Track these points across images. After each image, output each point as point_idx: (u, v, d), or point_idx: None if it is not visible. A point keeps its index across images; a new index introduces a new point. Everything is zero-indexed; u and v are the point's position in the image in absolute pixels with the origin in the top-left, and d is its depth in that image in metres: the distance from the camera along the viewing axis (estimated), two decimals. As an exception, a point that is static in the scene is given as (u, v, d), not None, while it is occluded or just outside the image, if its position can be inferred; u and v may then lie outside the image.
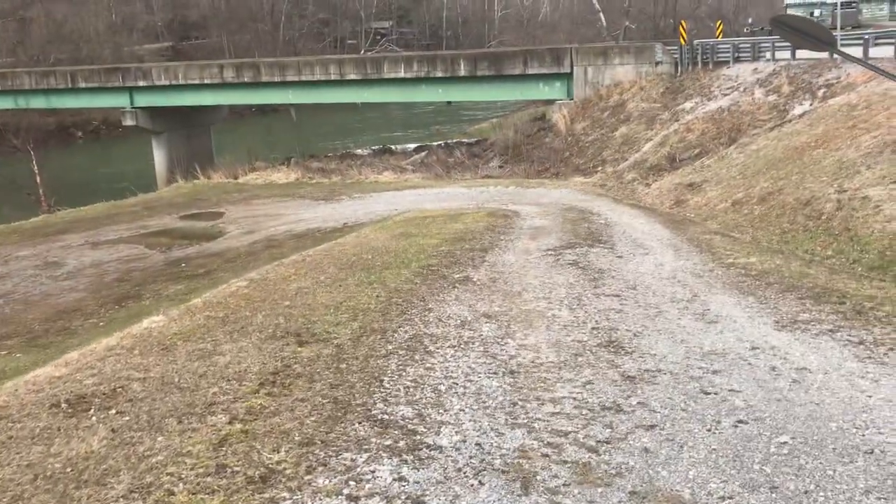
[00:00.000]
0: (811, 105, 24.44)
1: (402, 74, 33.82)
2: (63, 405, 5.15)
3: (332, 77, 34.78)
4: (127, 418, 4.88)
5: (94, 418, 4.90)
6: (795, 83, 26.34)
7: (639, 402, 4.99)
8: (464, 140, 39.06)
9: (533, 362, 5.79)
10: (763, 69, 28.43)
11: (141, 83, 37.09)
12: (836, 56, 27.15)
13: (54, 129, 59.21)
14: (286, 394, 5.18)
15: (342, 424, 4.69)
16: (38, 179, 33.20)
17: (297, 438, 4.49)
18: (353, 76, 34.49)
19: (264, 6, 72.19)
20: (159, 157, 38.79)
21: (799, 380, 5.34)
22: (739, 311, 7.03)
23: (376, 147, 40.77)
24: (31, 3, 61.94)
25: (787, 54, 28.52)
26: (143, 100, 37.80)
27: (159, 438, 4.54)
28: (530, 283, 8.66)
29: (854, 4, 55.57)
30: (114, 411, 5.00)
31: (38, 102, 40.97)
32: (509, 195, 22.69)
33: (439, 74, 33.41)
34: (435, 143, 39.28)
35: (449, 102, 38.23)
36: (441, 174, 31.32)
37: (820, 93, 24.95)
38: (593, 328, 6.69)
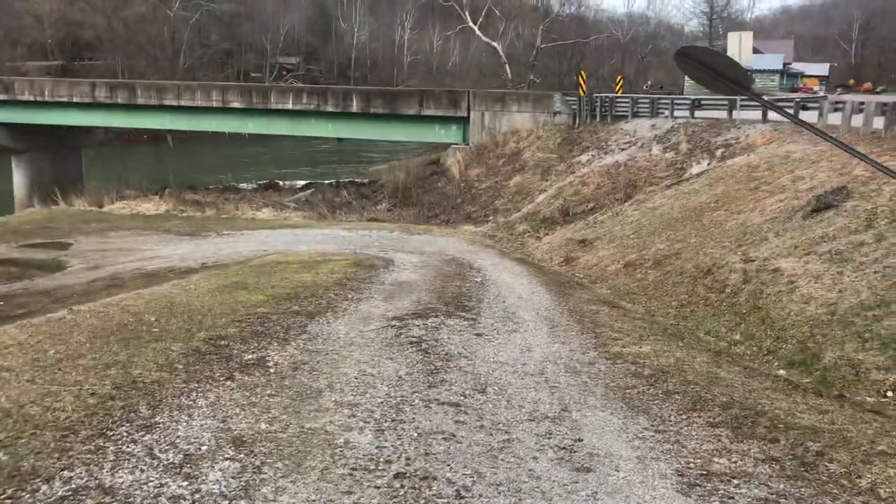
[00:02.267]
0: (709, 164, 22.96)
1: (289, 106, 31.06)
2: None
3: (215, 104, 31.71)
4: None
5: None
6: (694, 141, 24.93)
7: None
8: (356, 180, 36.43)
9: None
10: (661, 126, 27.03)
11: (1, 97, 33.03)
12: (735, 116, 26.18)
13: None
14: None
15: None
16: None
17: None
18: (236, 104, 31.52)
19: (165, 31, 68.27)
20: (19, 179, 34.61)
21: None
22: (625, 445, 4.54)
23: (262, 182, 37.66)
24: None
25: (685, 112, 27.27)
26: (3, 115, 33.69)
27: None
28: (344, 376, 6.00)
29: (749, 73, 56.19)
30: None
31: None
32: (391, 241, 20.24)
33: (330, 109, 30.81)
34: (326, 182, 36.52)
35: (339, 140, 35.63)
36: (325, 214, 28.55)
37: (718, 152, 23.54)
38: (397, 475, 4.05)
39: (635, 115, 28.32)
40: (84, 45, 67.06)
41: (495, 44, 66.05)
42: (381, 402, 5.30)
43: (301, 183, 37.12)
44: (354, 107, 30.45)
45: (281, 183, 37.18)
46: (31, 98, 32.75)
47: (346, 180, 35.84)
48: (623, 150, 26.32)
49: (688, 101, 27.73)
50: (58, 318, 7.99)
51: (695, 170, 22.79)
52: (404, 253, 17.70)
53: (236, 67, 73.08)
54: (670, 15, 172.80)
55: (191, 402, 5.06)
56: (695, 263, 12.52)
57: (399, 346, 7.07)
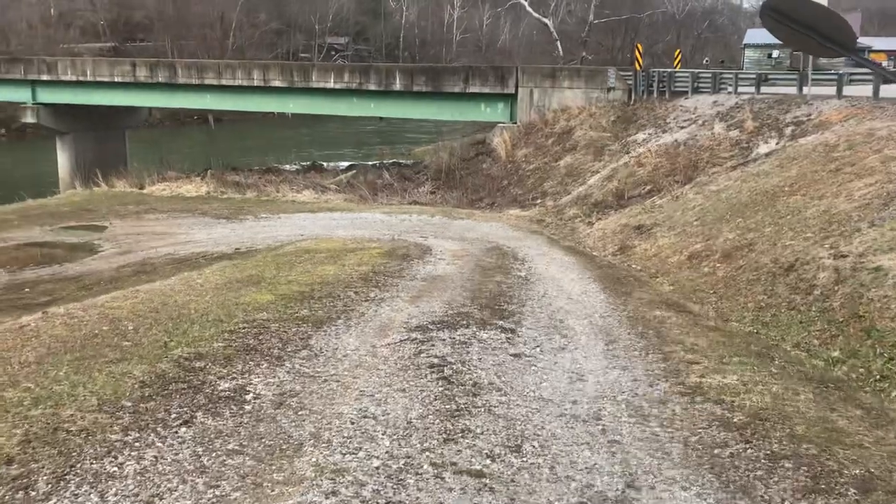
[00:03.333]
0: (778, 143, 20.89)
1: (331, 84, 29.68)
2: None
3: (256, 82, 30.50)
4: None
5: None
6: (760, 119, 22.82)
7: None
8: (401, 161, 34.98)
9: None
10: (724, 102, 24.92)
11: (45, 77, 32.35)
12: (805, 91, 23.94)
13: (-31, 124, 53.79)
14: None
15: None
16: None
17: None
18: (277, 83, 30.26)
19: (214, 12, 67.48)
20: (63, 160, 34.01)
21: None
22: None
23: (305, 163, 36.50)
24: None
25: (750, 88, 25.13)
26: (47, 96, 33.04)
27: None
28: (337, 418, 4.57)
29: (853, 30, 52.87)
30: None
31: (-73, 91, 35.81)
32: (432, 226, 18.82)
33: (372, 87, 29.34)
34: (369, 164, 35.18)
35: (381, 119, 34.16)
36: (366, 196, 27.22)
37: (788, 130, 21.44)
38: None
39: (696, 90, 26.25)
40: (135, 26, 66.76)
41: (546, 20, 63.78)
42: (378, 469, 3.84)
43: (344, 164, 35.88)
44: (397, 85, 28.94)
45: (324, 164, 35.98)
46: (74, 78, 31.99)
47: (390, 162, 34.42)
48: (682, 128, 24.33)
49: (752, 76, 25.54)
50: (19, 327, 6.71)
51: (762, 149, 20.75)
52: (444, 239, 16.32)
53: (285, 47, 72.06)
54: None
55: (114, 470, 3.66)
56: (772, 257, 10.76)
57: (416, 369, 5.60)
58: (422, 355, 5.97)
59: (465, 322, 7.24)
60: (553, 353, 6.22)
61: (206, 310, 7.45)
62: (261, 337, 6.38)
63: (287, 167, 35.53)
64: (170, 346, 6.00)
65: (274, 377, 5.36)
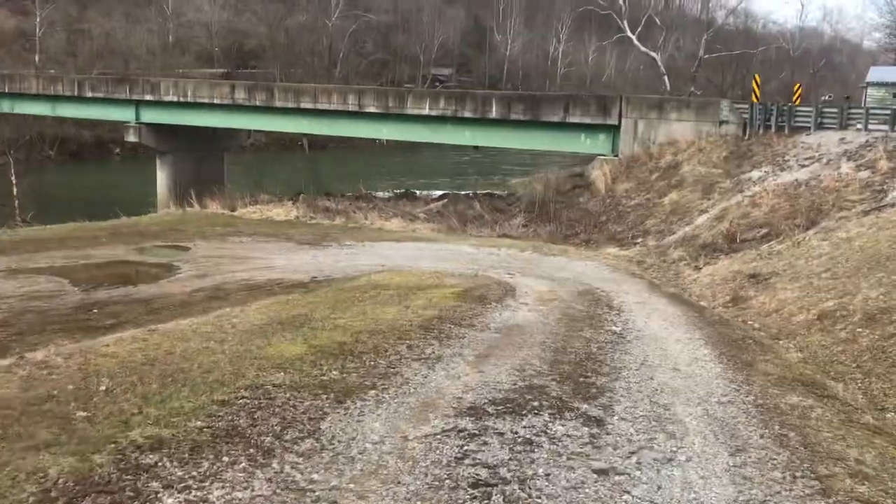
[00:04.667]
0: (919, 187, 18.10)
1: (426, 111, 28.40)
2: None
3: (351, 107, 29.57)
4: None
5: None
6: (896, 159, 20.01)
7: None
8: (494, 192, 33.29)
9: None
10: (853, 139, 22.16)
11: (148, 97, 32.45)
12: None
13: (91, 142, 55.49)
14: None
15: None
16: (14, 191, 29.05)
17: None
18: (372, 108, 29.21)
19: (323, 42, 68.13)
20: (162, 180, 34.03)
21: None
22: None
23: (398, 191, 35.33)
24: (87, 16, 58.88)
25: (883, 126, 22.27)
26: (150, 115, 33.14)
27: None
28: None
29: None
30: None
31: (43, 109, 36.66)
32: (520, 262, 17.02)
33: (468, 115, 27.88)
34: (462, 193, 33.65)
35: (476, 147, 32.60)
36: (455, 227, 25.62)
37: (931, 173, 18.60)
38: None
39: (819, 126, 23.54)
40: (247, 53, 68.12)
41: (654, 54, 61.19)
42: None
43: (437, 193, 34.49)
44: (494, 112, 27.37)
45: (417, 193, 34.70)
46: (176, 99, 31.95)
47: (483, 193, 32.77)
48: (804, 166, 21.69)
49: (887, 112, 22.65)
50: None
51: (900, 193, 18.01)
52: (532, 278, 14.51)
53: (390, 77, 72.05)
54: (848, 27, 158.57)
55: None
56: (937, 326, 8.43)
57: (452, 489, 3.78)
58: (466, 462, 4.15)
59: (536, 403, 5.38)
60: (656, 469, 4.28)
61: (212, 365, 5.87)
62: (258, 413, 4.72)
63: (379, 194, 34.48)
64: (132, 422, 4.41)
65: (246, 489, 3.66)
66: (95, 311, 12.44)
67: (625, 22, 63.27)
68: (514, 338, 8.30)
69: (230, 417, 4.60)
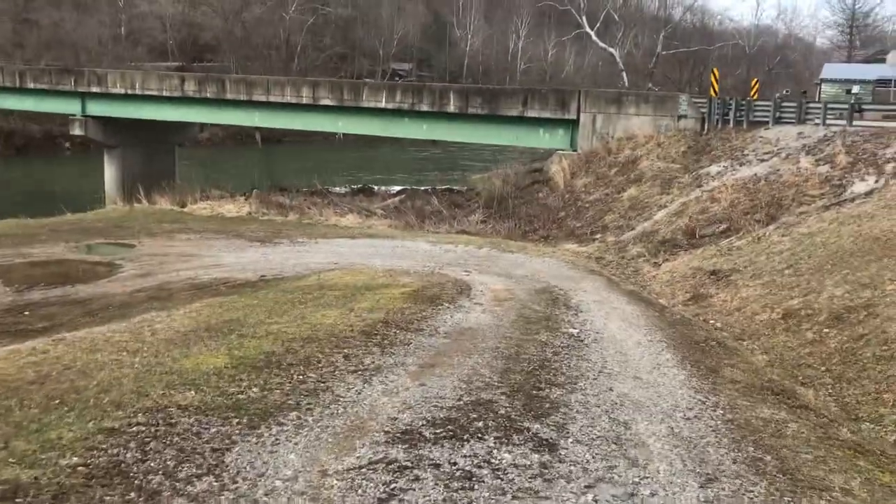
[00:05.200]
0: (878, 181, 17.85)
1: (382, 104, 27.60)
2: None
3: (305, 100, 28.63)
4: None
5: None
6: (854, 153, 19.77)
7: None
8: (453, 188, 32.61)
9: None
10: (811, 134, 21.92)
11: (94, 89, 31.09)
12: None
13: (40, 137, 53.47)
14: None
15: None
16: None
17: None
18: (327, 101, 28.32)
19: (280, 35, 66.69)
20: (110, 175, 32.68)
21: None
22: None
23: (355, 186, 34.48)
24: (34, 6, 56.74)
25: (841, 121, 22.06)
26: (97, 108, 31.77)
27: None
28: None
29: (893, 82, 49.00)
30: None
31: (-16, 101, 35.03)
32: (477, 260, 16.39)
33: (425, 108, 27.15)
34: (421, 189, 32.93)
35: (434, 142, 31.91)
36: (412, 223, 24.89)
37: (889, 167, 18.36)
38: None
39: (777, 121, 23.28)
40: (202, 46, 66.44)
41: (612, 50, 61.06)
42: None
43: (396, 189, 33.73)
44: (451, 106, 26.67)
45: (375, 188, 33.89)
46: (123, 91, 30.63)
47: (442, 188, 32.07)
48: (763, 160, 21.39)
49: (845, 106, 22.46)
50: None
51: (860, 187, 17.74)
52: (489, 275, 13.91)
53: (349, 71, 70.87)
54: (801, 25, 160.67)
55: None
56: (909, 327, 7.95)
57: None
58: None
59: (481, 423, 4.71)
60: (616, 506, 3.62)
61: (113, 383, 5.09)
62: (152, 444, 3.96)
63: (336, 189, 33.58)
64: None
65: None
66: (27, 313, 11.60)
67: (583, 17, 63.03)
68: (465, 343, 7.64)
69: (116, 451, 3.85)
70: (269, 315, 8.71)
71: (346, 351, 6.60)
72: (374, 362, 6.30)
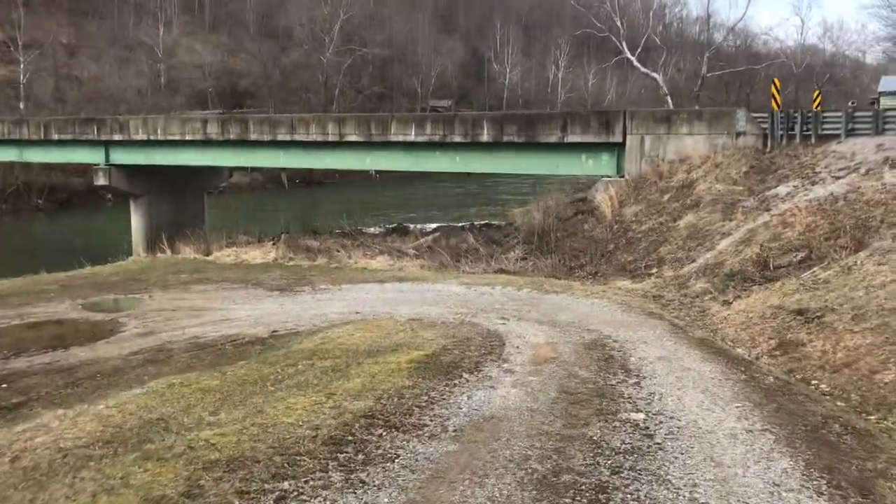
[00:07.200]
0: None
1: (411, 137, 25.45)
2: None
3: (331, 137, 26.66)
4: None
5: None
6: (950, 164, 16.78)
7: None
8: (491, 223, 30.16)
9: None
10: (892, 146, 18.97)
11: (117, 137, 29.67)
12: None
13: (82, 190, 52.85)
14: None
15: None
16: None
17: None
18: (354, 137, 26.30)
19: (319, 77, 65.72)
20: (136, 224, 31.13)
21: None
22: None
23: (390, 226, 32.29)
24: (76, 62, 56.67)
25: (925, 128, 19.16)
26: (120, 156, 30.35)
27: None
28: None
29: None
30: None
31: (10, 155, 33.92)
32: (516, 303, 13.91)
33: (457, 139, 24.90)
34: (457, 225, 30.56)
35: (468, 175, 29.59)
36: (447, 263, 22.43)
37: None
38: None
39: (850, 133, 20.37)
40: (242, 93, 65.80)
41: (656, 74, 58.30)
42: None
43: (431, 227, 31.42)
44: (485, 135, 24.37)
45: (409, 227, 31.65)
46: (145, 137, 29.14)
47: (480, 224, 29.65)
48: (838, 178, 18.48)
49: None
50: None
51: (965, 203, 14.76)
52: (528, 323, 11.52)
53: (388, 111, 69.54)
54: (849, 42, 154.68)
55: None
56: None
57: None
58: None
59: None
60: None
61: None
62: None
63: (370, 230, 31.49)
64: None
65: None
66: (4, 385, 9.65)
67: (623, 43, 60.55)
68: (480, 451, 5.12)
69: None
70: (220, 407, 6.33)
71: (284, 486, 4.13)
72: (336, 496, 3.81)
